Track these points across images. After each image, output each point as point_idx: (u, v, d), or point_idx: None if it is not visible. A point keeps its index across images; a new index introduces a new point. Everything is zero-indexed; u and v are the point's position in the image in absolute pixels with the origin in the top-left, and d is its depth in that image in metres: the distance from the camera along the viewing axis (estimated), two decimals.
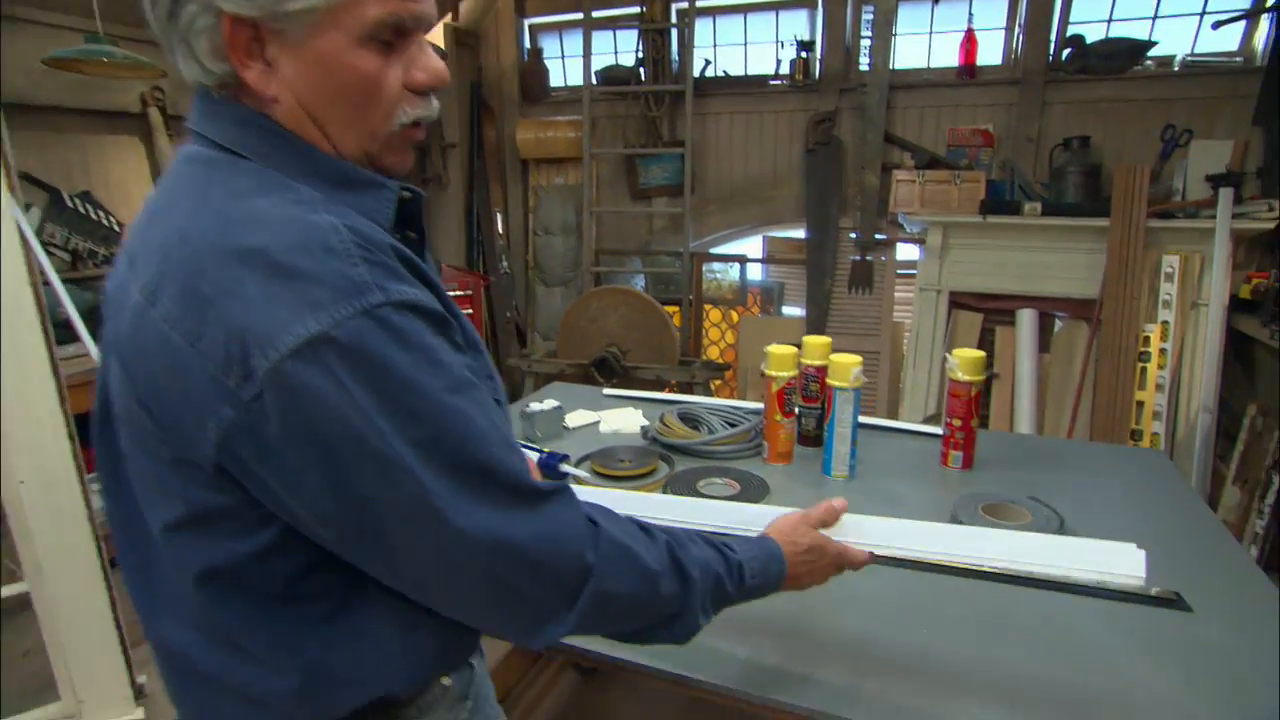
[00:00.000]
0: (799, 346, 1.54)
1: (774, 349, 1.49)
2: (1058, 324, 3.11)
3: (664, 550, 0.67)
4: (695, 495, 1.36)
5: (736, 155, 3.59)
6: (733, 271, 3.69)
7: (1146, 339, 2.85)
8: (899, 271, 3.35)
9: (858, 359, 1.42)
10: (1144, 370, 2.86)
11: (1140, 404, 2.83)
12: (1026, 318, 3.07)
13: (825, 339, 1.56)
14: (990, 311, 3.14)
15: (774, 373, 1.48)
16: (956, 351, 1.43)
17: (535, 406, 1.69)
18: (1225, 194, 2.68)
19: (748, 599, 0.74)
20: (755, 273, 3.75)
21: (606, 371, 3.31)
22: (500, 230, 3.99)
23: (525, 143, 3.83)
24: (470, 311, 3.13)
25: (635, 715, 2.02)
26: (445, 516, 0.54)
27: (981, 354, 1.42)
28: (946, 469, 1.48)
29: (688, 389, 3.22)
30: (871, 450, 1.57)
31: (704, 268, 3.70)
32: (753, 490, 1.38)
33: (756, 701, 0.86)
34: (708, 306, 3.80)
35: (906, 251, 3.37)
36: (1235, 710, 0.82)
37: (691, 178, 3.56)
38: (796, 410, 1.56)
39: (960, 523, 1.17)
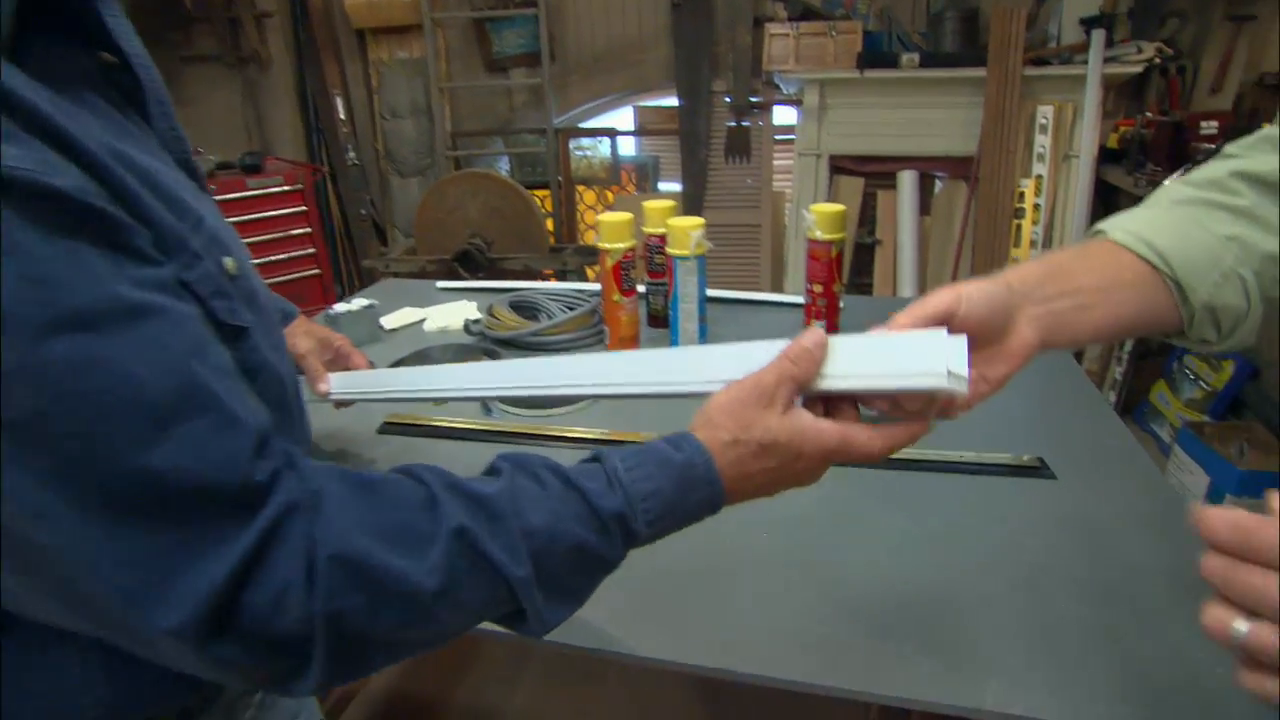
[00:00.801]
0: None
1: (606, 217, 1.27)
2: (938, 185, 3.01)
3: (449, 547, 0.42)
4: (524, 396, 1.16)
5: (597, 15, 3.21)
6: (603, 147, 3.39)
7: (1021, 195, 2.79)
8: (777, 137, 3.14)
9: (698, 220, 1.22)
10: (1019, 227, 2.82)
11: (1016, 261, 2.81)
12: (907, 179, 2.95)
13: (668, 203, 1.35)
14: (871, 175, 3.01)
15: (608, 245, 1.27)
16: (813, 207, 1.25)
17: (340, 308, 1.43)
18: (1097, 36, 2.57)
19: (659, 537, 0.50)
20: (628, 147, 3.47)
21: (470, 265, 3.01)
22: (342, 115, 3.50)
23: (355, 7, 3.30)
24: (304, 209, 2.74)
25: None
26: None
27: (841, 208, 1.25)
28: None
29: (562, 278, 2.98)
30: (729, 327, 1.41)
31: (571, 145, 3.38)
32: None
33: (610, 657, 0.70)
34: (580, 188, 3.51)
35: (784, 115, 3.16)
36: (1093, 575, 0.73)
37: (550, 43, 3.18)
38: (640, 288, 1.36)
39: None
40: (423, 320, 1.53)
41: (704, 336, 1.28)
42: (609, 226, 1.27)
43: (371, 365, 0.94)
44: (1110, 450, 0.96)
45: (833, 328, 1.32)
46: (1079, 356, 2.76)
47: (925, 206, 2.99)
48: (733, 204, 3.24)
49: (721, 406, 0.50)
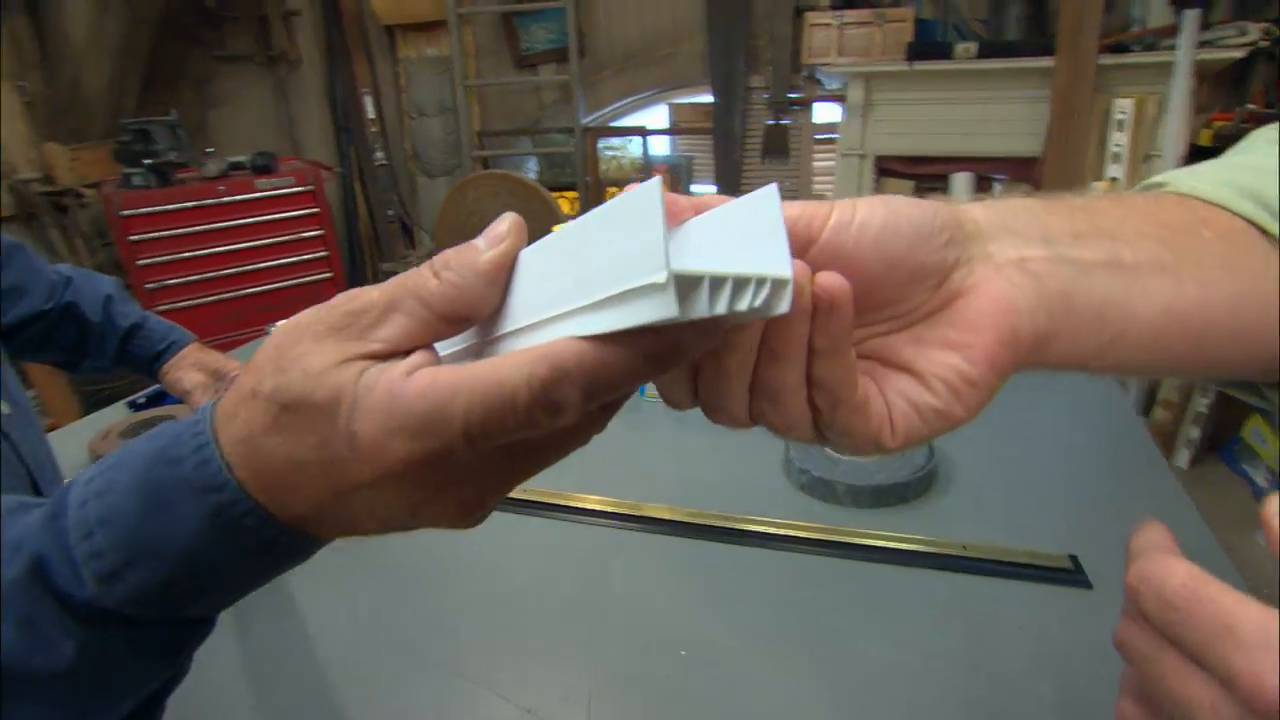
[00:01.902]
0: None
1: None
2: (996, 188, 2.72)
3: None
4: None
5: (629, 8, 3.03)
6: (634, 147, 3.22)
7: None
8: (817, 136, 2.91)
9: None
10: None
11: None
12: (961, 182, 2.67)
13: None
14: (922, 177, 2.74)
15: None
16: None
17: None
18: (1190, 17, 2.24)
19: (189, 610, 0.27)
20: (661, 147, 3.28)
21: None
22: (371, 115, 3.44)
23: (382, 4, 3.22)
24: (315, 210, 2.66)
25: None
26: None
27: None
28: None
29: None
30: None
31: (600, 144, 3.22)
32: None
33: None
34: (611, 189, 3.34)
35: (826, 113, 2.92)
36: None
37: (580, 38, 3.02)
38: None
39: (805, 472, 0.82)
40: None
41: None
42: None
43: None
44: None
45: None
46: (1149, 400, 2.44)
47: None
48: None
49: (280, 331, 0.25)
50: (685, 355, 0.22)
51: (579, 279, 0.22)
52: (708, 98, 3.00)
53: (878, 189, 2.78)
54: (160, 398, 1.14)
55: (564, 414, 0.22)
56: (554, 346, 0.22)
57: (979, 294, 0.27)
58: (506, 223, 0.25)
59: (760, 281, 0.21)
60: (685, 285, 0.20)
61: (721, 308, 0.20)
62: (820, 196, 3.04)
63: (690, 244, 0.23)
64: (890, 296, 0.28)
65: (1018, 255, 0.28)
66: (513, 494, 0.85)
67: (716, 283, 0.20)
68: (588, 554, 0.76)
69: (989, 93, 2.53)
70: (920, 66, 2.50)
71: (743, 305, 0.21)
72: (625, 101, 3.24)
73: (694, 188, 3.26)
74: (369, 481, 0.23)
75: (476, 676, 0.62)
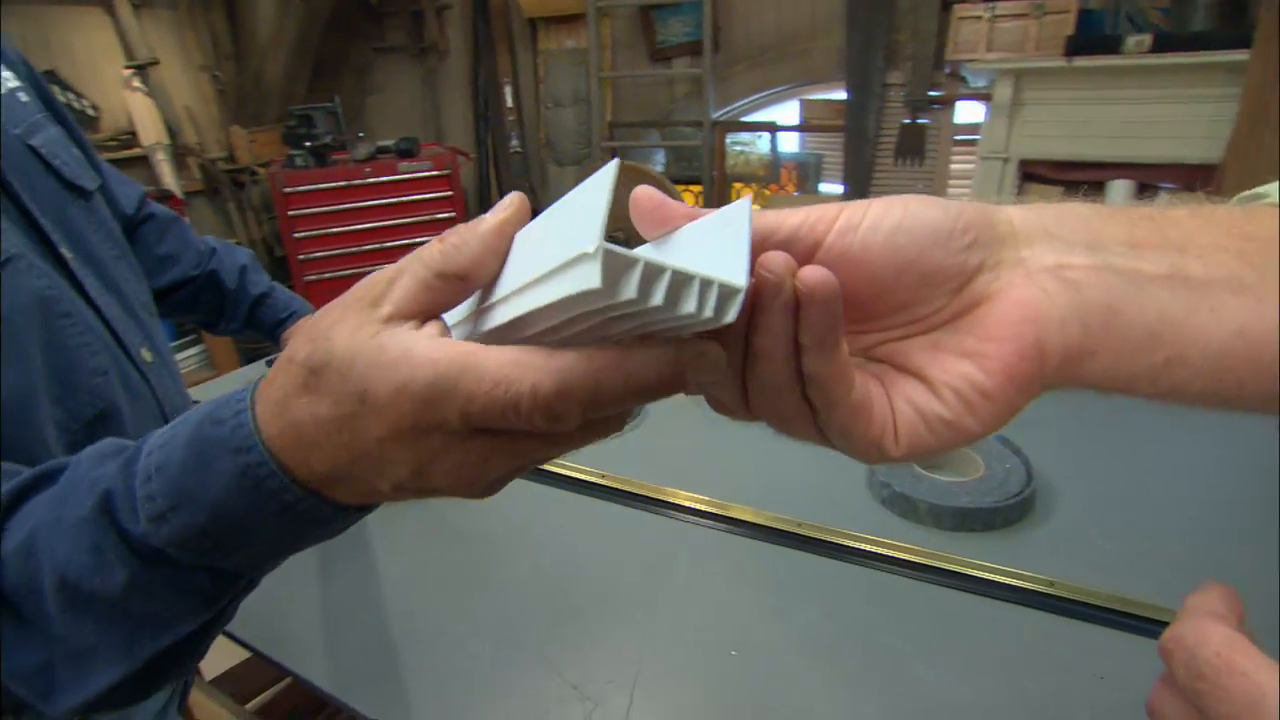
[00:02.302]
0: None
1: None
2: (1161, 197, 2.46)
3: None
4: None
5: (767, 1, 2.98)
6: (762, 143, 3.17)
7: None
8: (957, 137, 2.74)
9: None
10: None
11: None
12: (1121, 190, 2.43)
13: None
14: (1072, 184, 2.52)
15: None
16: None
17: None
18: None
19: (226, 563, 0.30)
20: (790, 144, 3.21)
21: None
22: (510, 104, 3.59)
23: None
24: (449, 193, 2.81)
25: None
26: None
27: None
28: None
29: None
30: None
31: (729, 139, 3.19)
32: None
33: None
34: (737, 185, 3.31)
35: (968, 112, 2.74)
36: None
37: (715, 31, 3.01)
38: None
39: (887, 486, 0.79)
40: None
41: None
42: None
43: None
44: None
45: None
46: None
47: None
48: None
49: (321, 311, 0.28)
50: (682, 381, 0.23)
51: (540, 256, 0.23)
52: (841, 94, 2.90)
53: (1020, 195, 2.59)
54: None
55: (562, 423, 0.23)
56: (562, 361, 0.23)
57: (1002, 300, 0.25)
58: (510, 198, 0.27)
59: (706, 284, 0.21)
60: (617, 264, 0.19)
61: (658, 299, 0.20)
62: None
63: (665, 247, 0.24)
64: (904, 300, 0.26)
65: (1055, 261, 0.25)
66: (601, 480, 0.87)
67: (653, 272, 0.20)
68: (658, 544, 0.77)
69: (1162, 91, 2.28)
70: (1080, 63, 2.30)
71: (688, 307, 0.21)
72: (757, 96, 3.19)
73: (822, 187, 3.17)
74: (378, 436, 0.25)
75: (529, 648, 0.64)
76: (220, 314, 0.86)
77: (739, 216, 0.23)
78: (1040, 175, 2.55)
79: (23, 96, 0.56)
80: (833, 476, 0.87)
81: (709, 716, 0.57)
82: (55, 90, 2.77)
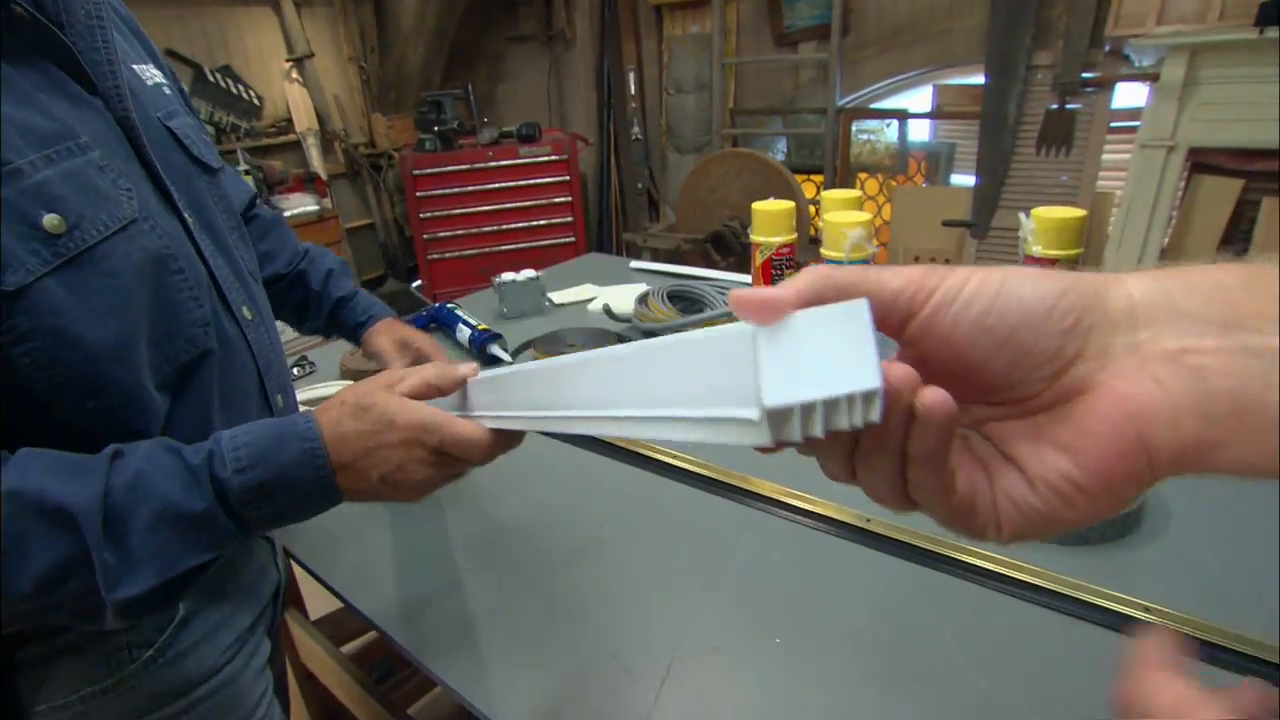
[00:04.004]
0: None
1: (761, 205, 1.07)
2: None
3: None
4: None
5: None
6: (890, 131, 3.01)
7: None
8: (1112, 124, 2.48)
9: (863, 217, 0.96)
10: None
11: None
12: None
13: (853, 193, 1.09)
14: (1255, 175, 2.22)
15: (760, 238, 1.07)
16: (1036, 212, 0.91)
17: (508, 276, 1.43)
18: None
19: (269, 511, 0.49)
20: (921, 132, 3.03)
21: (723, 248, 2.91)
22: (633, 91, 3.61)
23: None
24: (566, 178, 2.87)
25: None
26: None
27: (1078, 213, 0.89)
28: None
29: None
30: None
31: (854, 127, 3.06)
32: None
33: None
34: (863, 175, 3.17)
35: (1128, 96, 2.47)
36: None
37: (845, 13, 2.89)
38: None
39: None
40: (592, 299, 1.47)
41: None
42: (763, 216, 1.06)
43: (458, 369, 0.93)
44: None
45: None
46: None
47: None
48: (1040, 204, 2.65)
49: (358, 385, 0.53)
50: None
51: (671, 390, 0.27)
52: (979, 79, 2.70)
53: (1188, 190, 2.31)
54: None
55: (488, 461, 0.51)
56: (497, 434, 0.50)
57: (1102, 394, 0.23)
58: (470, 367, 0.54)
59: (850, 399, 0.22)
60: (779, 419, 0.22)
61: (817, 430, 0.22)
62: (1105, 195, 2.60)
63: (783, 338, 0.23)
64: (997, 381, 0.25)
65: (1177, 346, 0.22)
66: (671, 460, 0.85)
67: (808, 410, 0.22)
68: (717, 526, 0.75)
69: None
70: (1274, 33, 2.01)
71: (841, 424, 0.22)
72: (887, 82, 3.04)
73: (954, 178, 2.97)
74: (389, 442, 0.50)
75: (573, 611, 0.64)
76: (305, 312, 0.92)
77: (858, 315, 0.23)
78: (1216, 166, 2.26)
79: (166, 90, 0.64)
80: None
81: (741, 698, 0.55)
82: (229, 83, 3.09)
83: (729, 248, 2.93)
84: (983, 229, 2.75)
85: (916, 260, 2.83)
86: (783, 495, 0.77)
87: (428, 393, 0.52)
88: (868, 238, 0.96)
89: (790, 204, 1.08)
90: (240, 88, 3.18)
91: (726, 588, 0.66)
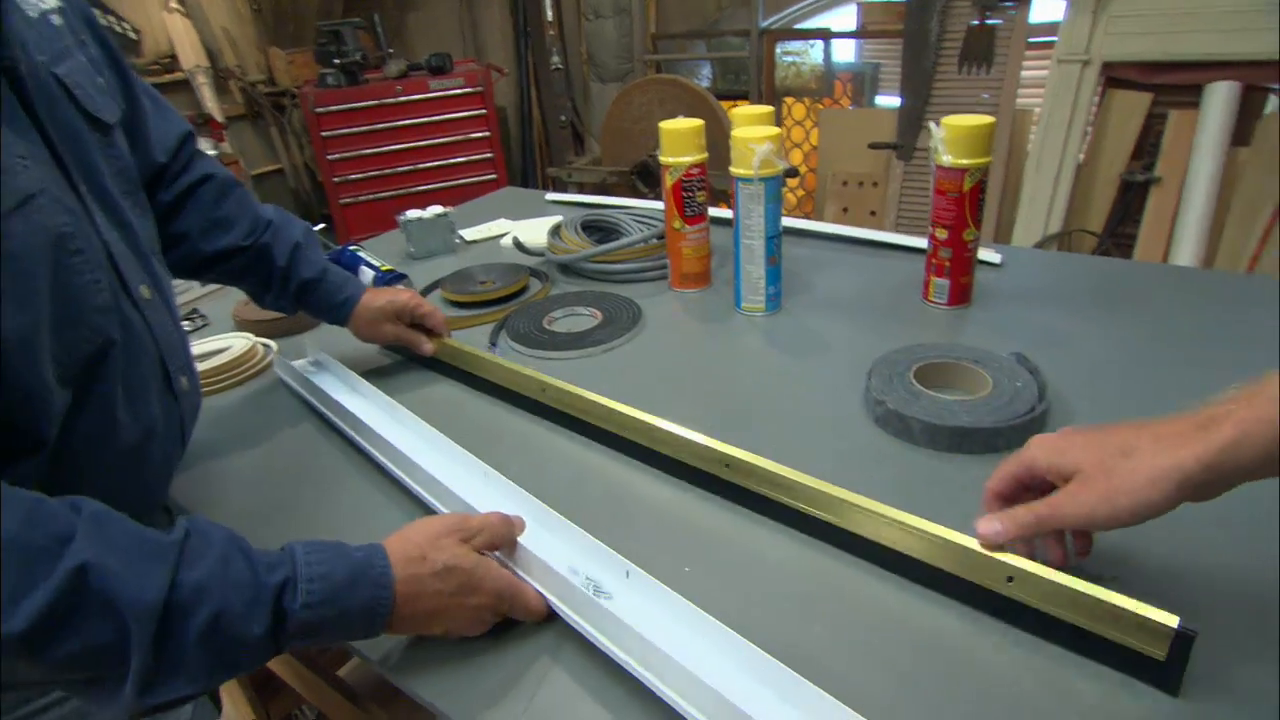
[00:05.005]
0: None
1: (668, 124, 1.01)
2: (1271, 103, 2.17)
3: (61, 585, 0.38)
4: (540, 331, 0.99)
5: None
6: (815, 53, 2.95)
7: None
8: (1031, 39, 2.47)
9: (771, 131, 0.92)
10: None
11: None
12: (1221, 93, 2.15)
13: (765, 109, 1.04)
14: (1165, 88, 2.25)
15: (669, 159, 1.02)
16: (945, 120, 0.88)
17: (414, 214, 1.35)
18: None
19: (310, 641, 0.46)
20: (846, 53, 2.97)
21: (650, 180, 2.83)
22: (550, 18, 3.43)
23: None
24: (483, 111, 2.72)
25: None
26: None
27: (987, 120, 0.86)
28: (927, 304, 0.98)
29: None
30: (831, 274, 1.10)
31: (779, 49, 2.98)
32: (619, 323, 0.99)
33: None
34: (789, 100, 3.11)
35: (1047, 10, 2.46)
36: None
37: None
38: (709, 213, 1.09)
39: (881, 404, 0.71)
40: (505, 234, 1.40)
41: (774, 282, 0.98)
42: (671, 135, 1.01)
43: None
44: None
45: (960, 293, 0.95)
46: None
47: (1243, 135, 2.18)
48: None
49: (421, 525, 0.53)
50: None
51: None
52: None
53: (1101, 105, 2.33)
54: None
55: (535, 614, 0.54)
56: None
57: None
58: (518, 526, 0.57)
59: None
60: None
61: None
62: (1024, 112, 2.61)
63: None
64: None
65: None
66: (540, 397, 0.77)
67: None
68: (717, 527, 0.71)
69: None
70: None
71: None
72: (810, 2, 2.96)
73: (879, 99, 2.94)
74: (464, 605, 0.50)
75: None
76: (268, 289, 0.82)
77: None
78: (1128, 80, 2.28)
79: (55, 20, 0.55)
80: (829, 390, 0.79)
81: None
82: (98, 13, 2.79)
83: (656, 178, 2.86)
84: (909, 151, 2.74)
85: (845, 185, 2.82)
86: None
87: (492, 549, 0.55)
88: (776, 152, 0.91)
89: (699, 122, 1.02)
90: (110, 18, 2.89)
91: (648, 528, 0.63)
